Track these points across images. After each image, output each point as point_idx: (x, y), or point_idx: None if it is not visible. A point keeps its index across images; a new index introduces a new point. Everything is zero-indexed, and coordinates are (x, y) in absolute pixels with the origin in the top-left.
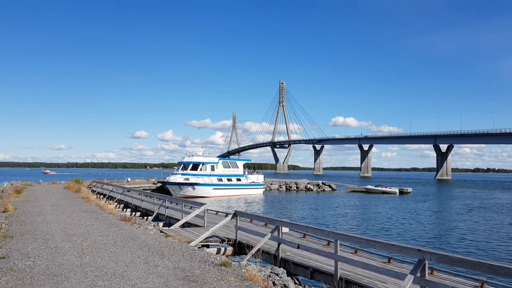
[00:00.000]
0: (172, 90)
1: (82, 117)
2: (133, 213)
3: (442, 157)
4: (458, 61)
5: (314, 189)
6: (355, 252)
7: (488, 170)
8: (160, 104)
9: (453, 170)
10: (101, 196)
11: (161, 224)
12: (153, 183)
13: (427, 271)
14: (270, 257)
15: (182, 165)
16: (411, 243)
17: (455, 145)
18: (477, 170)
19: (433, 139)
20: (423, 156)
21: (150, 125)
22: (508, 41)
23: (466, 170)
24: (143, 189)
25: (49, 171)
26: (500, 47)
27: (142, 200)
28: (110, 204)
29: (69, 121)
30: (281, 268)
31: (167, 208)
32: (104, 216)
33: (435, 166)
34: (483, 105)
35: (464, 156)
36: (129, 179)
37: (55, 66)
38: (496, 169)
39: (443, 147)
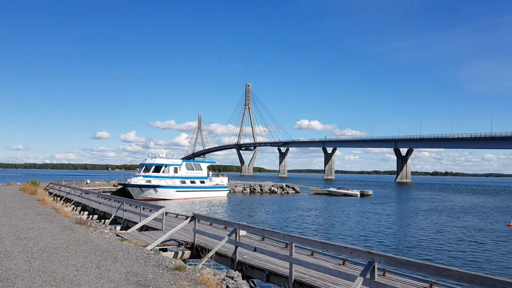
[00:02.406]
0: (136, 91)
1: (41, 116)
2: (90, 216)
3: (402, 160)
4: (418, 67)
5: (278, 192)
6: (312, 254)
7: (446, 173)
8: (123, 105)
9: (413, 173)
10: (58, 198)
11: (118, 227)
12: (114, 185)
13: (376, 272)
14: (227, 260)
15: (144, 167)
16: (368, 245)
17: (414, 149)
18: (435, 173)
19: (394, 143)
20: (385, 159)
21: (112, 125)
22: (466, 50)
23: (425, 173)
24: (103, 192)
25: None
26: (458, 56)
27: (100, 203)
28: (66, 206)
29: (28, 121)
30: (237, 271)
31: (125, 211)
32: (59, 219)
33: (395, 169)
34: (442, 111)
35: (424, 160)
36: (88, 181)
37: (12, 64)
38: (454, 172)
39: (403, 150)
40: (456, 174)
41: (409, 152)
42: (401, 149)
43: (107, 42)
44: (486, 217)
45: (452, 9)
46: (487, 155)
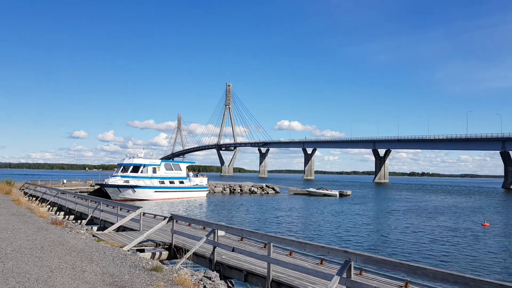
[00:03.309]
0: (114, 89)
1: (16, 114)
2: (67, 216)
3: (380, 161)
4: (396, 69)
5: (258, 192)
6: (290, 254)
7: (423, 174)
8: (101, 103)
9: (391, 173)
10: (34, 198)
11: (95, 228)
12: (91, 185)
13: (353, 271)
14: (205, 261)
15: (122, 167)
16: (345, 245)
17: (392, 150)
18: (412, 174)
19: (372, 144)
20: (363, 160)
21: (90, 124)
22: (442, 52)
23: (403, 174)
24: (80, 192)
25: None
26: (434, 57)
27: (77, 203)
28: (42, 207)
29: (2, 119)
30: (215, 271)
31: (102, 211)
32: (34, 220)
33: (374, 169)
34: (419, 112)
35: (401, 161)
36: (64, 181)
37: None
38: (430, 173)
39: (382, 151)
40: (433, 175)
41: (387, 153)
42: (379, 150)
43: (85, 41)
44: (461, 217)
45: (427, 12)
46: (463, 156)
